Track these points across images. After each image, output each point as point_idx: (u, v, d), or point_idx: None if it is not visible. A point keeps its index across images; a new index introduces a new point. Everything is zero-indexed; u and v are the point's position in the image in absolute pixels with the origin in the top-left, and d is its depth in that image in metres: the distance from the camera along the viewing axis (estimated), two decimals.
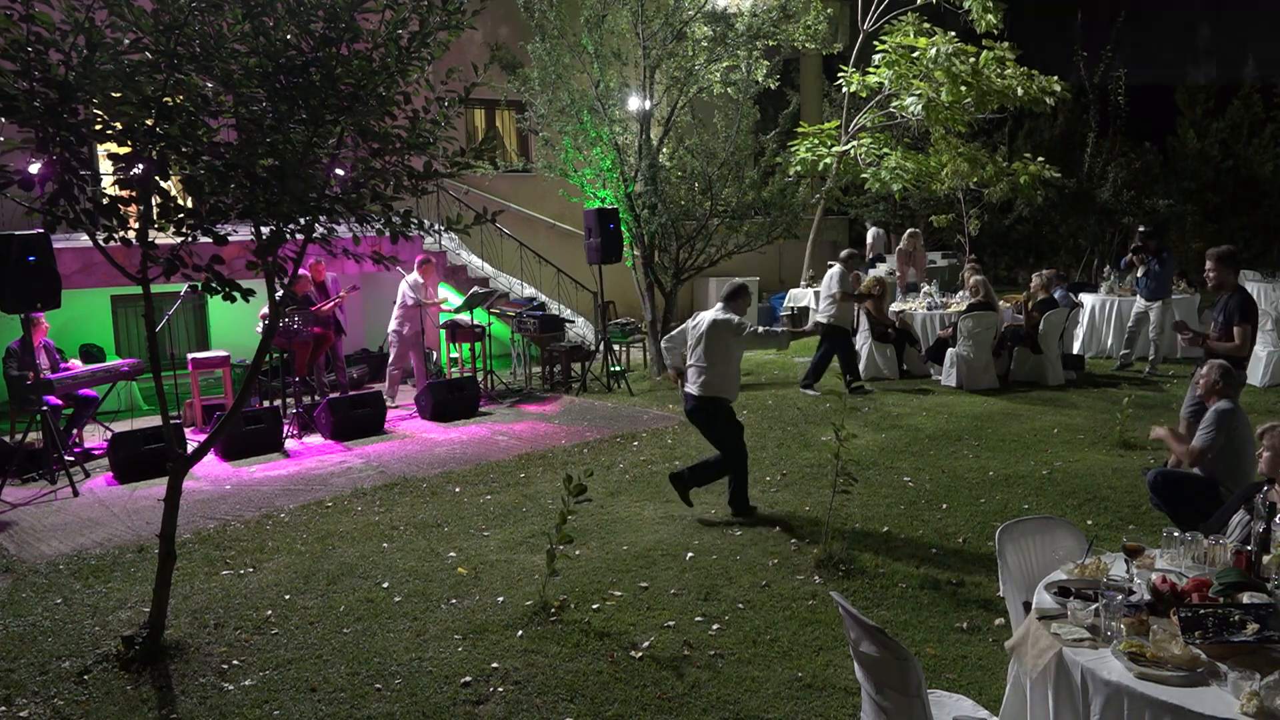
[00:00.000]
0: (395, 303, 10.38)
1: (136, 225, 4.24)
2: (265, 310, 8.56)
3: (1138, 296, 10.83)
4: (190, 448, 5.64)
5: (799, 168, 13.79)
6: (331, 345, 10.44)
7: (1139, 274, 10.73)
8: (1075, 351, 11.32)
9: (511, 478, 7.41)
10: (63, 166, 3.98)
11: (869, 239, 15.60)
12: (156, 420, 8.34)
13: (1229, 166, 19.09)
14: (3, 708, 4.04)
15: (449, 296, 11.81)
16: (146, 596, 4.92)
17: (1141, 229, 10.91)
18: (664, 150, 11.54)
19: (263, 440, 8.42)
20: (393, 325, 10.37)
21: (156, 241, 4.26)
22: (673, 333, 6.60)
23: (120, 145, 4.05)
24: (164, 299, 8.68)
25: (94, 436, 9.01)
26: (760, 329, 6.29)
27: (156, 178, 4.11)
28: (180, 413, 9.49)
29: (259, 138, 4.14)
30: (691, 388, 6.27)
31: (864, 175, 14.56)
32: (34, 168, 4.00)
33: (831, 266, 10.23)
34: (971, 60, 12.80)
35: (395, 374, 10.57)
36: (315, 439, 8.98)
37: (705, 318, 6.26)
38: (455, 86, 4.51)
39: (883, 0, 14.29)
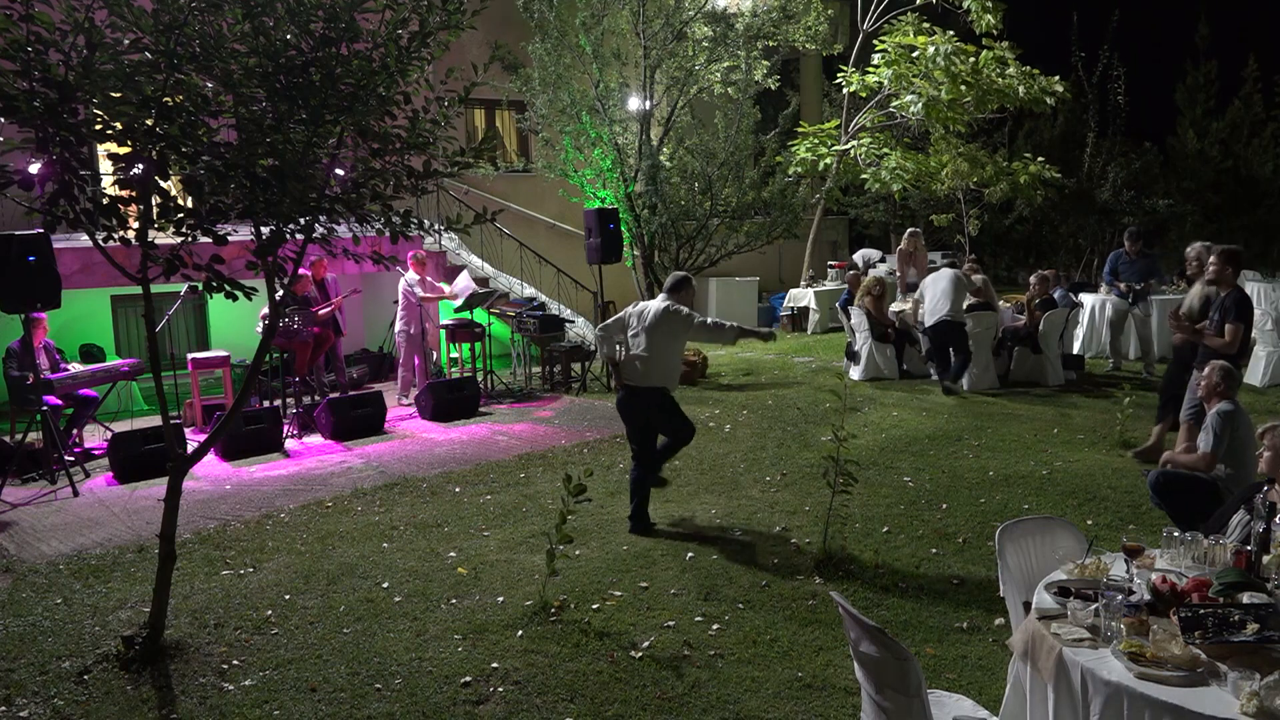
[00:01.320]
0: (397, 303, 10.38)
1: (136, 225, 4.24)
2: (265, 310, 8.56)
3: (1114, 295, 10.80)
4: (190, 448, 5.64)
5: (799, 168, 13.80)
6: (331, 345, 10.44)
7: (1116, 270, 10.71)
8: (1075, 351, 11.32)
9: (511, 478, 7.41)
10: (63, 166, 3.98)
11: (859, 262, 15.53)
12: (156, 420, 8.34)
13: (1229, 166, 19.09)
14: (3, 708, 4.04)
15: (448, 290, 11.79)
16: (146, 596, 4.92)
17: (1130, 229, 10.92)
18: (664, 150, 11.55)
19: (263, 440, 8.42)
20: (398, 326, 10.37)
21: (156, 241, 4.26)
22: (608, 321, 6.36)
23: (120, 145, 4.05)
24: (164, 299, 8.68)
25: (94, 436, 9.01)
26: (709, 320, 6.16)
27: (156, 178, 4.11)
28: (180, 413, 9.49)
29: (259, 138, 4.14)
30: (631, 379, 6.07)
31: (864, 175, 14.57)
32: (34, 168, 4.00)
33: (935, 267, 10.13)
34: (971, 60, 12.82)
35: (407, 376, 10.55)
36: (315, 439, 8.98)
37: (651, 307, 6.09)
38: (455, 86, 4.51)
39: (883, 0, 14.30)
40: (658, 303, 6.10)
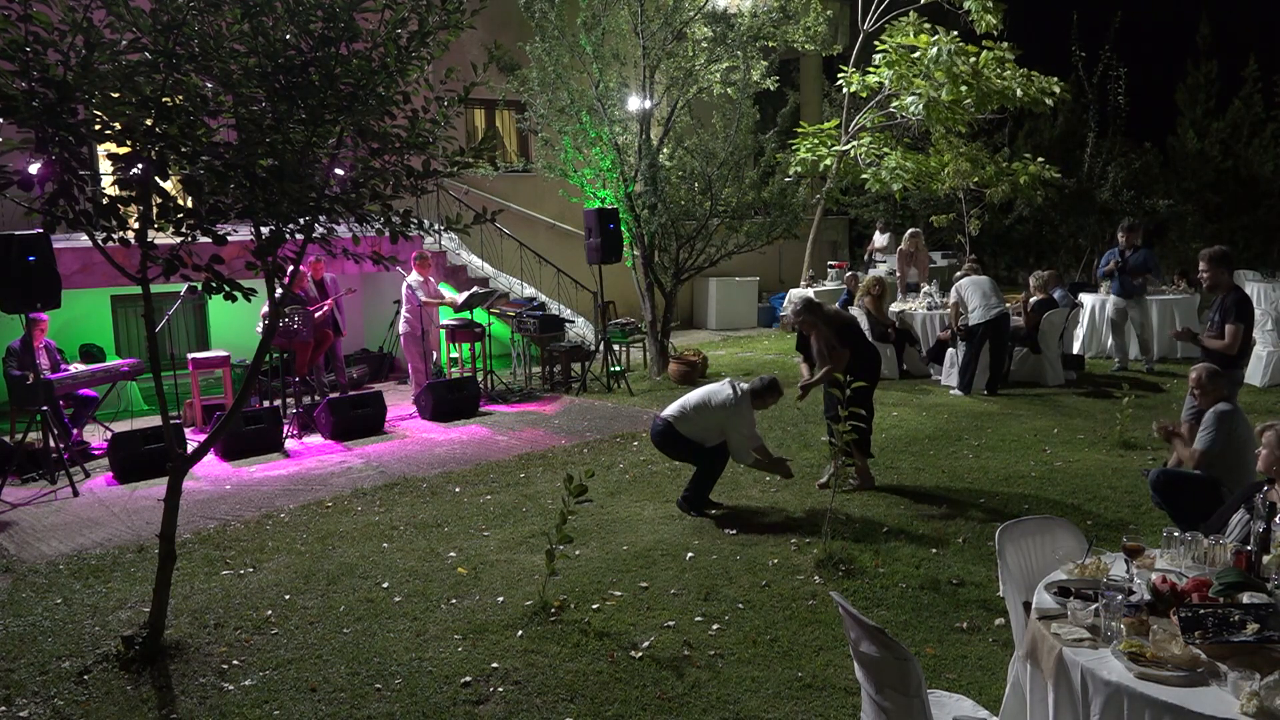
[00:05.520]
0: (399, 303, 10.35)
1: (136, 225, 4.24)
2: (266, 310, 8.56)
3: (1111, 294, 10.78)
4: (190, 448, 5.64)
5: (799, 168, 13.80)
6: (331, 345, 10.43)
7: (1111, 266, 10.70)
8: (1075, 351, 11.32)
9: (511, 478, 7.41)
10: (62, 166, 3.97)
11: (877, 243, 15.54)
12: (156, 420, 8.34)
13: (1229, 167, 19.07)
14: (3, 708, 4.04)
15: (449, 297, 11.79)
16: (146, 596, 4.91)
17: (1126, 222, 10.90)
18: (664, 150, 11.53)
19: (263, 440, 8.42)
20: (402, 327, 10.35)
21: (156, 241, 4.26)
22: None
23: (120, 145, 4.05)
24: (164, 299, 8.68)
25: (94, 436, 9.01)
26: (744, 440, 6.19)
27: (156, 178, 4.11)
28: (180, 413, 9.49)
29: (259, 138, 4.14)
30: (665, 413, 6.29)
31: (864, 175, 14.57)
32: (34, 168, 4.00)
33: (963, 276, 10.22)
34: (971, 60, 12.82)
35: (419, 376, 10.49)
36: (315, 439, 8.98)
37: (721, 391, 6.21)
38: (454, 86, 4.51)
39: (883, 0, 14.30)
40: (729, 386, 6.19)
